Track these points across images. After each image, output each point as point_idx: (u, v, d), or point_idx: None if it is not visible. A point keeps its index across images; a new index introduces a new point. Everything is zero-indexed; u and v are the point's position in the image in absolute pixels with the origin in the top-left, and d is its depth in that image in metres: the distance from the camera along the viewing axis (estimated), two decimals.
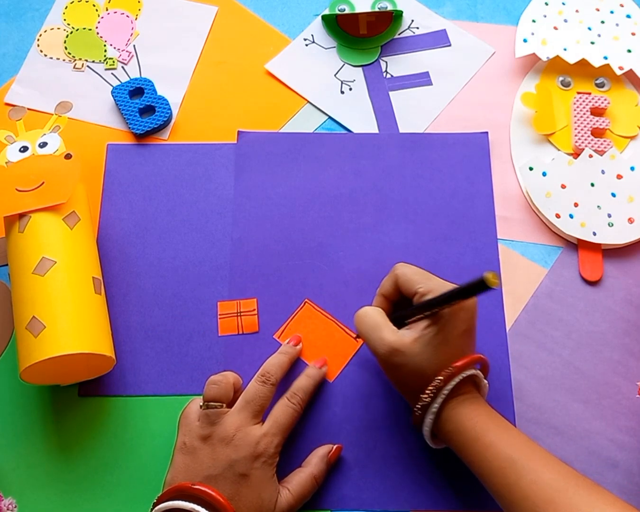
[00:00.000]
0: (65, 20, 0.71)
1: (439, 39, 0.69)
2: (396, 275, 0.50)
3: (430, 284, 0.48)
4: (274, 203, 0.61)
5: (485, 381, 0.49)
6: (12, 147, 0.61)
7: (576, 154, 0.62)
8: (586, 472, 0.50)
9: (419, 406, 0.47)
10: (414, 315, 0.49)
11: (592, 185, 0.60)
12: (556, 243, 0.59)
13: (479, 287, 0.42)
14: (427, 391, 0.46)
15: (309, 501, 0.49)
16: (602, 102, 0.64)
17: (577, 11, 0.69)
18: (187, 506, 0.43)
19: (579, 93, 0.65)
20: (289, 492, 0.48)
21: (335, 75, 0.68)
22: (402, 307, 0.51)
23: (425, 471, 0.51)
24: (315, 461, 0.50)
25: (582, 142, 0.62)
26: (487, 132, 0.64)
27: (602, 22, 0.68)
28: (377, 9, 0.70)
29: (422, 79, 0.67)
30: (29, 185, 0.55)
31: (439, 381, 0.46)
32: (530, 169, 0.61)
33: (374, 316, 0.49)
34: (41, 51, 0.70)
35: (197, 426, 0.48)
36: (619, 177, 0.61)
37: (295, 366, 0.54)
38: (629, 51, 0.66)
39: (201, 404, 0.49)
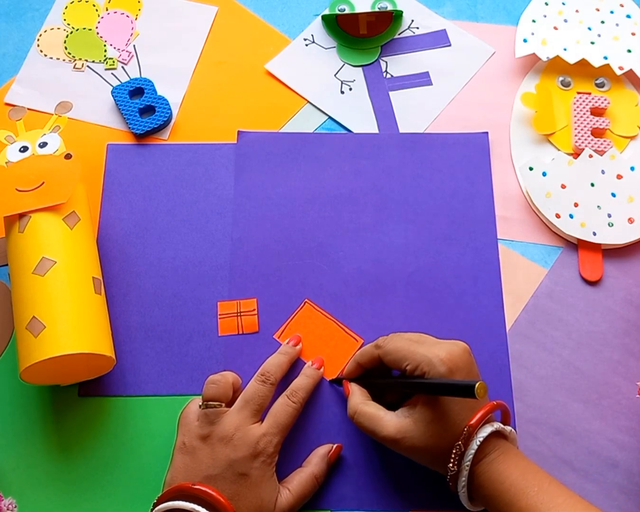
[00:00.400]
0: (65, 20, 0.71)
1: (439, 39, 0.69)
2: (380, 354, 0.50)
3: (416, 359, 0.47)
4: (274, 203, 0.61)
5: (510, 429, 0.47)
6: (12, 147, 0.61)
7: (576, 154, 0.62)
8: (586, 472, 0.50)
9: (449, 478, 0.45)
10: (397, 386, 0.50)
11: (592, 185, 0.60)
12: (556, 243, 0.59)
13: (466, 392, 0.42)
14: (451, 461, 0.45)
15: (309, 500, 0.49)
16: (602, 102, 0.64)
17: (577, 11, 0.69)
18: (187, 506, 0.43)
19: (579, 93, 0.65)
20: (289, 492, 0.48)
21: (335, 75, 0.68)
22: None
23: (425, 471, 0.51)
24: (315, 460, 0.50)
25: (582, 142, 0.62)
26: (487, 132, 0.64)
27: (602, 22, 0.68)
28: (377, 9, 0.70)
29: (422, 79, 0.67)
30: (29, 185, 0.55)
31: (458, 447, 0.44)
32: (530, 169, 0.61)
33: (367, 412, 0.48)
34: (41, 51, 0.70)
35: (197, 426, 0.48)
36: (619, 177, 0.61)
37: (294, 366, 0.54)
38: (629, 51, 0.66)
39: (200, 403, 0.49)
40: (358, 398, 0.50)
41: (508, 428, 0.47)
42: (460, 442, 0.44)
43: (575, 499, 0.43)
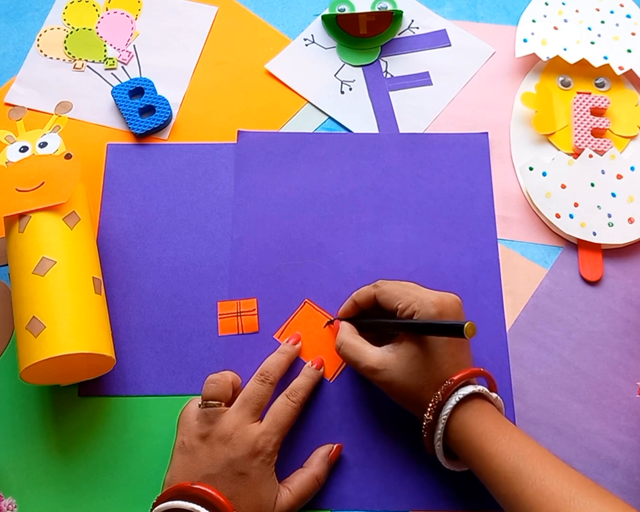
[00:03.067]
0: (65, 20, 0.71)
1: (439, 39, 0.69)
2: (375, 293, 0.51)
3: (408, 299, 0.49)
4: (274, 203, 0.61)
5: (496, 396, 0.48)
6: (12, 147, 0.61)
7: (576, 154, 0.62)
8: (586, 472, 0.50)
9: (424, 425, 0.46)
10: (387, 327, 0.51)
11: (592, 185, 0.60)
12: (556, 243, 0.59)
13: (455, 331, 0.43)
14: (428, 409, 0.46)
15: (310, 500, 0.49)
16: (602, 102, 0.64)
17: (577, 11, 0.69)
18: (187, 506, 0.43)
19: (579, 93, 0.65)
20: (289, 492, 0.48)
21: (335, 75, 0.68)
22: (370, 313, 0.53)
23: (425, 471, 0.51)
24: (316, 461, 0.50)
25: (582, 142, 0.62)
26: (487, 132, 0.64)
27: (602, 22, 0.68)
28: (377, 9, 0.70)
29: (422, 79, 0.67)
30: (29, 185, 0.55)
31: (436, 397, 0.46)
32: (530, 169, 0.61)
33: (352, 344, 0.50)
34: (41, 51, 0.70)
35: (196, 425, 0.48)
36: (619, 177, 0.61)
37: (294, 365, 0.54)
38: (629, 51, 0.66)
39: (200, 403, 0.49)
40: (346, 332, 0.52)
41: (494, 394, 0.48)
42: (439, 393, 0.45)
43: (543, 450, 0.44)
